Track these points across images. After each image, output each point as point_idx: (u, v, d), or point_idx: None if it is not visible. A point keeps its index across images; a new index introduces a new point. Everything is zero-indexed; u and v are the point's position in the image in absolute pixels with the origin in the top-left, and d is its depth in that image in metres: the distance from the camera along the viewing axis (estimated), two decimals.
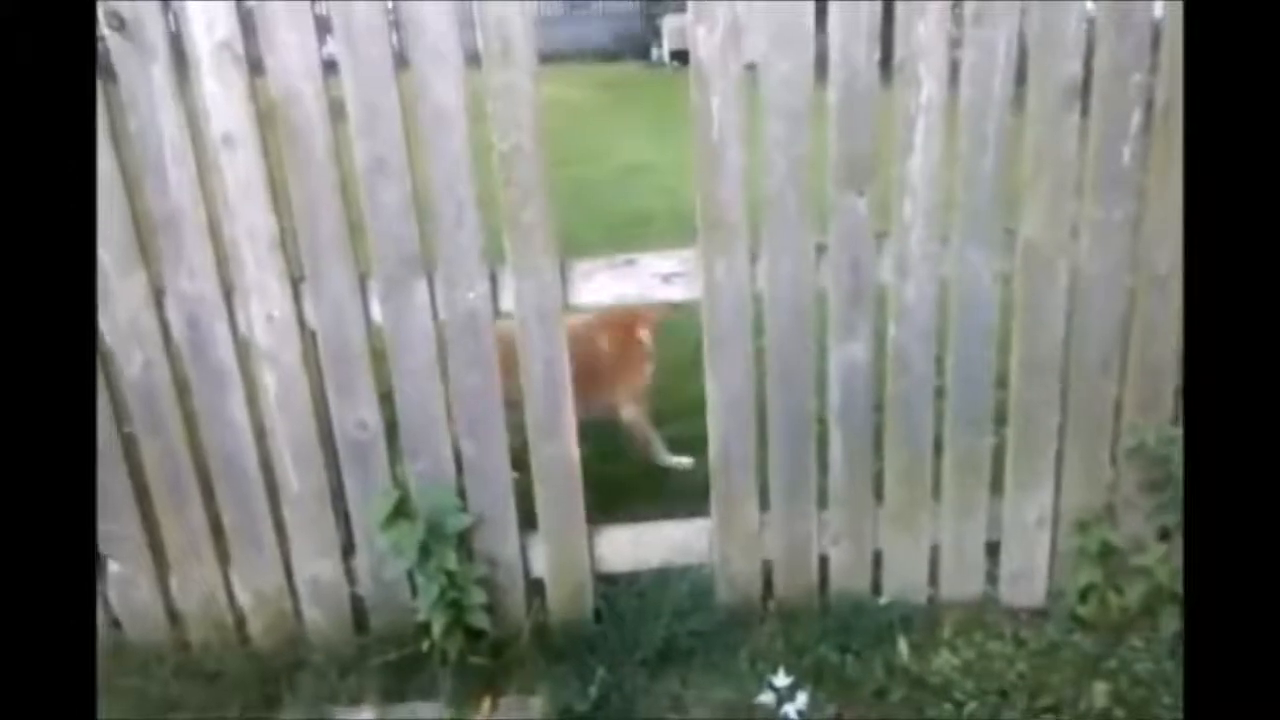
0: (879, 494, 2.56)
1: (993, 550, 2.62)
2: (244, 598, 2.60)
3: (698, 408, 2.54)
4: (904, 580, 2.63)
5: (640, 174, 4.83)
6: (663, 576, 2.65)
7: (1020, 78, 2.19)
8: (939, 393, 2.46)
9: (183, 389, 2.41)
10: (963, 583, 2.63)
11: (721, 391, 2.44)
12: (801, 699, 2.42)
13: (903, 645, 2.53)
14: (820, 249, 2.33)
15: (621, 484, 3.04)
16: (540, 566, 2.60)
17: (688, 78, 2.19)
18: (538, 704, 2.44)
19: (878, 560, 2.63)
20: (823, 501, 2.57)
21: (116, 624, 2.61)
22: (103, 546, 2.55)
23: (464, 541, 2.50)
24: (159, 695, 2.49)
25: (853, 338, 2.39)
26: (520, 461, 2.51)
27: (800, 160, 2.24)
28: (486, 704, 2.45)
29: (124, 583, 2.57)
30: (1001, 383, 2.46)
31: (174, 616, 2.61)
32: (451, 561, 2.44)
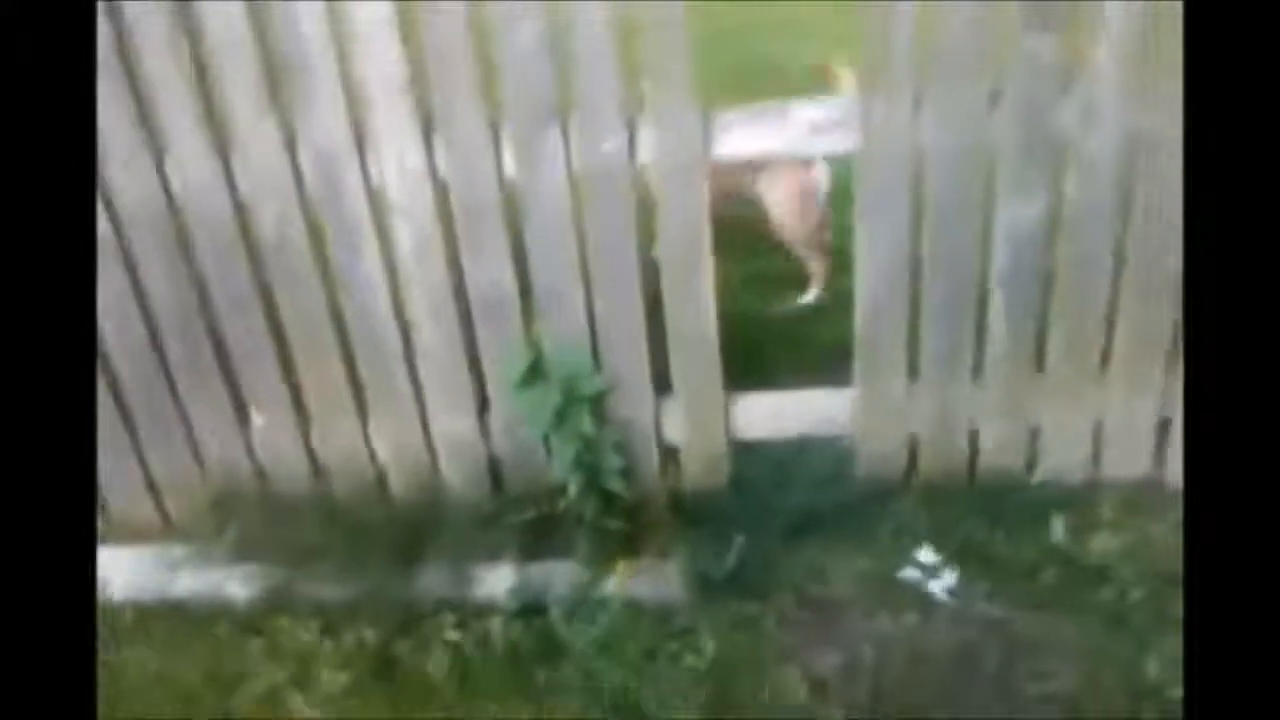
0: (1041, 365, 2.38)
1: (1163, 428, 2.42)
2: (383, 452, 2.62)
3: (843, 267, 2.38)
4: (1062, 458, 2.47)
5: (780, 18, 4.52)
6: (802, 446, 2.55)
7: None
8: (1118, 258, 2.24)
9: (317, 239, 2.37)
10: (1127, 462, 2.45)
11: (874, 252, 2.27)
12: (950, 577, 2.32)
13: (1058, 525, 2.39)
14: (995, 96, 2.10)
15: (761, 349, 2.92)
16: (675, 432, 2.53)
17: None
18: (673, 568, 2.41)
19: (1034, 436, 2.46)
20: (977, 372, 2.40)
21: (261, 474, 2.67)
22: (246, 397, 2.59)
23: (598, 404, 2.44)
24: (303, 544, 2.55)
25: (1026, 196, 2.17)
26: (656, 322, 2.42)
27: None
28: (622, 566, 2.43)
29: (267, 434, 2.62)
30: None
31: (316, 468, 2.66)
32: (587, 425, 2.40)
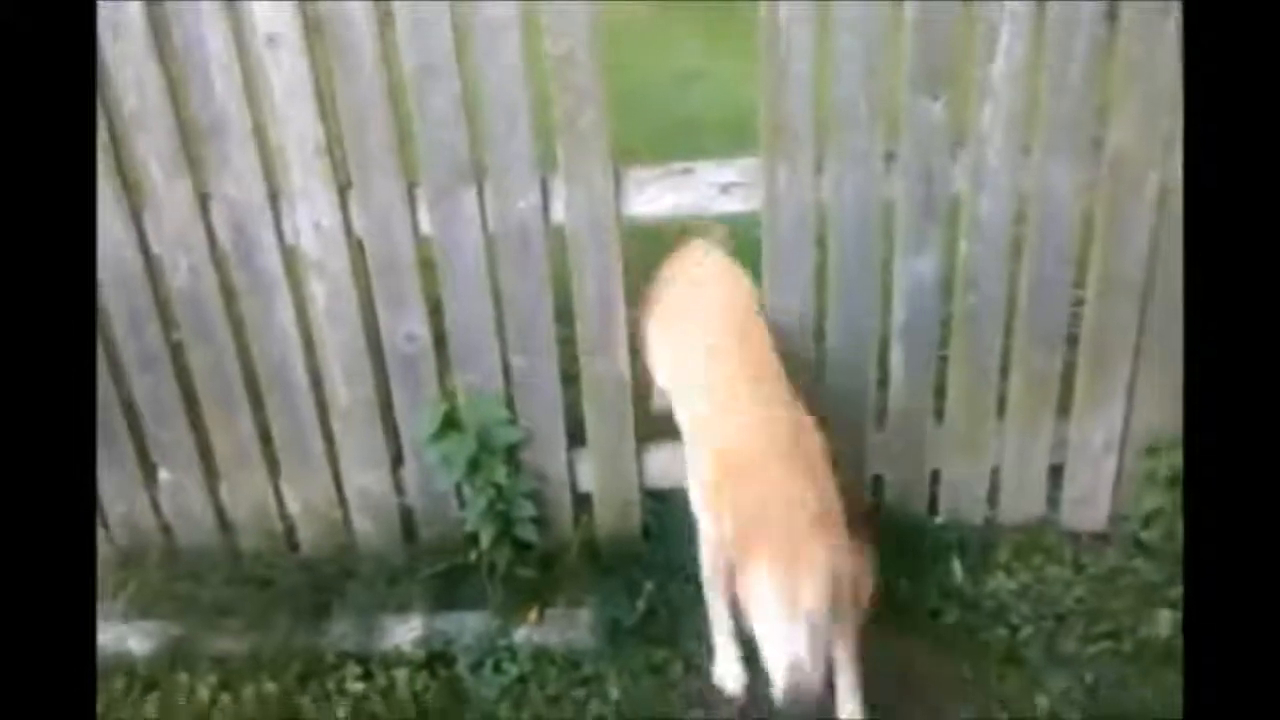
0: (939, 414, 2.48)
1: (1055, 473, 2.54)
2: (294, 506, 2.60)
3: None
4: (961, 502, 2.57)
5: (693, 81, 4.63)
6: None
7: None
8: (1009, 310, 2.36)
9: (230, 297, 2.38)
10: (1022, 505, 2.56)
11: (781, 306, 2.35)
12: None
13: (957, 567, 2.49)
14: (890, 158, 2.21)
15: None
16: (589, 481, 2.56)
17: None
18: (584, 616, 2.44)
19: (934, 481, 2.56)
20: (880, 420, 2.50)
21: (167, 530, 2.63)
22: (153, 454, 2.55)
23: (512, 455, 2.46)
24: (210, 601, 2.52)
25: (921, 252, 2.28)
26: (570, 375, 2.46)
27: (874, 62, 2.10)
28: (533, 614, 2.45)
29: (175, 490, 2.58)
30: (1076, 300, 2.35)
31: (225, 524, 2.63)
32: (500, 475, 2.42)
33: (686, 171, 2.26)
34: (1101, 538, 2.53)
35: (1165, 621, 2.29)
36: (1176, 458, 2.41)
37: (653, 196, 2.27)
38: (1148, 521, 2.47)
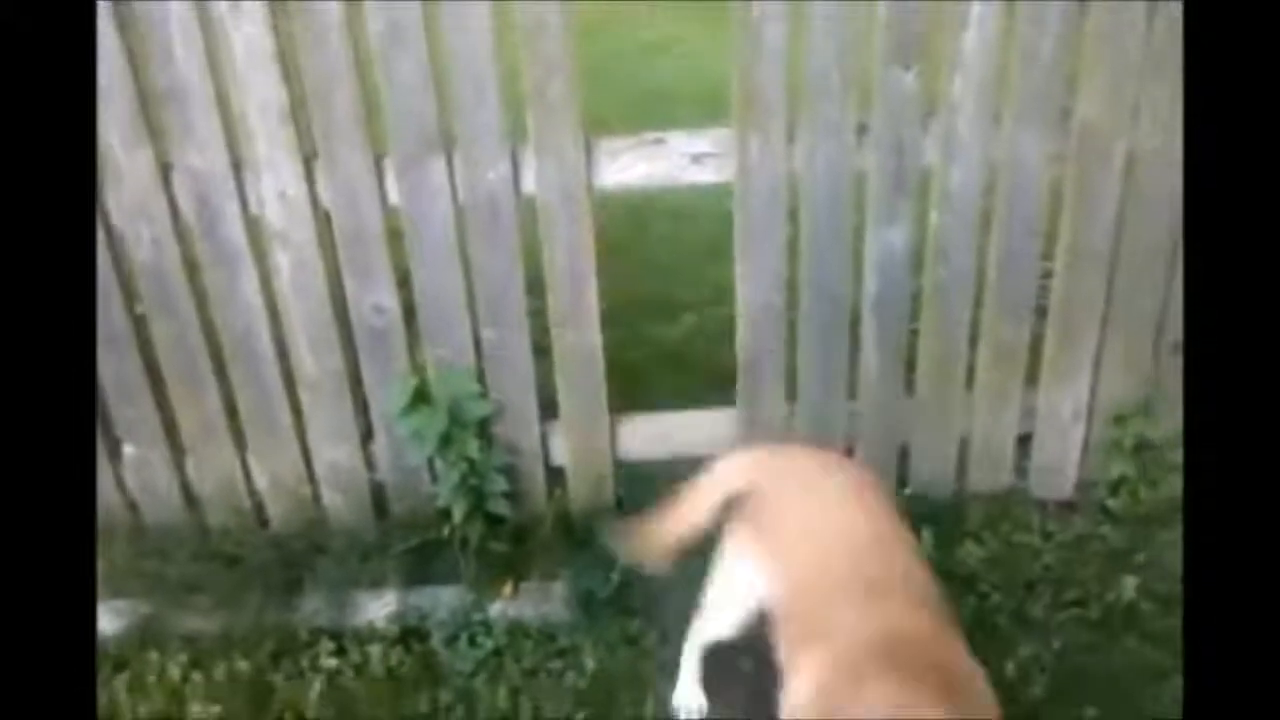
0: (910, 385, 2.50)
1: (1023, 442, 2.56)
2: (262, 482, 2.57)
3: (719, 295, 2.45)
4: (931, 472, 2.59)
5: (664, 50, 4.60)
6: (686, 466, 2.59)
7: None
8: (979, 281, 2.37)
9: (193, 269, 2.34)
10: (991, 475, 2.59)
11: (752, 278, 2.35)
12: None
13: (927, 536, 2.50)
14: (862, 129, 2.21)
15: (646, 372, 2.97)
16: (562, 455, 2.56)
17: None
18: (559, 589, 2.44)
19: (904, 452, 2.58)
20: (851, 392, 2.50)
21: (133, 507, 2.59)
22: (117, 429, 2.51)
23: (484, 428, 2.45)
24: (178, 578, 2.49)
25: (893, 223, 2.29)
26: (541, 348, 2.44)
27: (846, 33, 2.09)
28: (508, 588, 2.45)
29: (140, 465, 2.54)
30: (1045, 272, 2.37)
31: (191, 500, 2.60)
32: (472, 449, 2.41)
33: (658, 142, 2.25)
34: (1069, 506, 2.57)
35: (1130, 587, 2.34)
36: (1142, 426, 2.45)
37: (624, 166, 2.25)
38: (1114, 489, 2.50)
